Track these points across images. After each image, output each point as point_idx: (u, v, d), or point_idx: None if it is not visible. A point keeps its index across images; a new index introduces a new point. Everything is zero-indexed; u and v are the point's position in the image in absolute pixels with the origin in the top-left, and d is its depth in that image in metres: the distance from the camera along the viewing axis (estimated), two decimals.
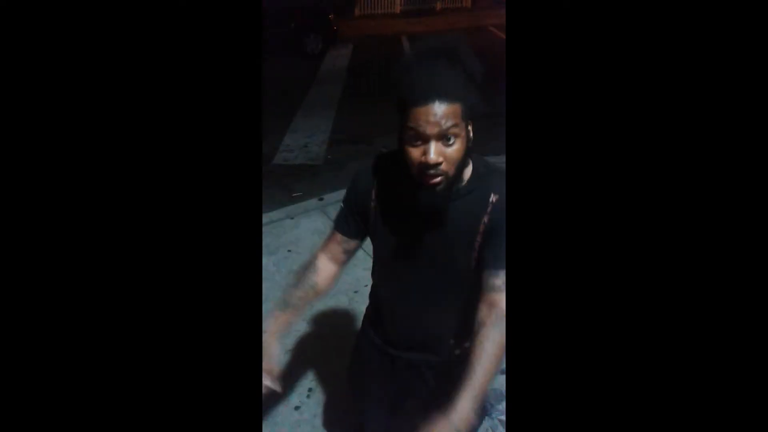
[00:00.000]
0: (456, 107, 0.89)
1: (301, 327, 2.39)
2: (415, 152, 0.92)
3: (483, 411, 1.27)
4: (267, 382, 0.98)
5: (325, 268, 1.15)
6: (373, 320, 1.26)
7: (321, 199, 3.54)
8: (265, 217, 3.26)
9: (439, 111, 0.88)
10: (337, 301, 2.54)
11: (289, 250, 2.99)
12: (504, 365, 0.79)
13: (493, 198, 1.00)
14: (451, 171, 0.93)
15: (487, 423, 1.35)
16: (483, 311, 0.95)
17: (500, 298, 0.94)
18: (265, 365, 0.99)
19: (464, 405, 0.88)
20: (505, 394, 1.23)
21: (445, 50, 0.93)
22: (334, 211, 3.12)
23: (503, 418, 1.25)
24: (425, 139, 0.90)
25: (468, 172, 1.01)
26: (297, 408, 1.98)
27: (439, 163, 0.91)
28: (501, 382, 2.07)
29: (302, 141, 4.97)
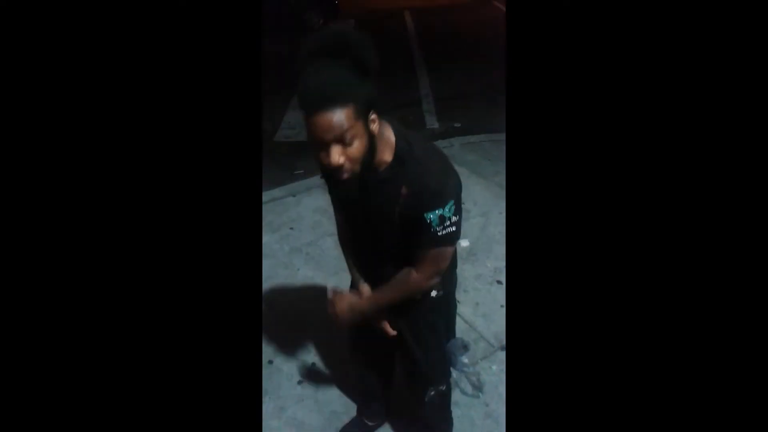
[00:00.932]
0: (347, 110, 0.92)
1: (304, 303, 2.42)
2: (320, 154, 0.98)
3: (448, 362, 1.41)
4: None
5: None
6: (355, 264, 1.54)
7: (323, 177, 3.53)
8: (267, 195, 3.27)
9: (330, 118, 0.92)
10: (340, 278, 2.57)
11: (291, 228, 3.00)
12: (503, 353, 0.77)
13: (403, 190, 1.05)
14: (357, 167, 1.00)
15: (453, 374, 1.43)
16: (403, 270, 1.20)
17: (414, 269, 1.17)
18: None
19: (367, 299, 1.28)
20: (467, 346, 1.39)
21: (332, 45, 0.93)
22: None
23: (468, 369, 1.36)
24: (324, 144, 0.96)
25: (388, 156, 1.06)
26: (299, 382, 2.02)
27: (341, 164, 0.97)
28: (468, 336, 2.12)
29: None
